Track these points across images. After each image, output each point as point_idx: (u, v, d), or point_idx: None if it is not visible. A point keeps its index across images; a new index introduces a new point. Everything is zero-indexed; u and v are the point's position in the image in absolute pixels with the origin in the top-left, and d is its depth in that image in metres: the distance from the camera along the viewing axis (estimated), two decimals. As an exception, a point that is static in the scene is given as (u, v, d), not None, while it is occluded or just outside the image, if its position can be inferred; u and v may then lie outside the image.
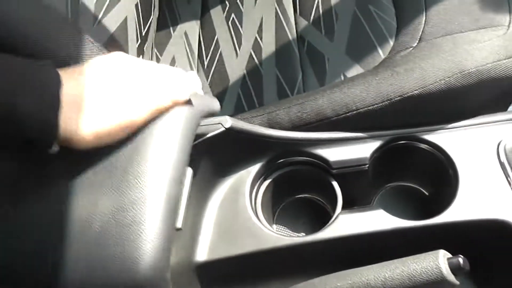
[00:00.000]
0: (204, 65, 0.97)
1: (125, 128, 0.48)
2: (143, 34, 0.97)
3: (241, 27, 0.97)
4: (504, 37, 0.73)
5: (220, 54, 0.96)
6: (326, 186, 0.71)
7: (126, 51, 0.90)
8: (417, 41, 0.78)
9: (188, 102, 0.53)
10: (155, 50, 1.05)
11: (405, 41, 0.80)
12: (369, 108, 0.69)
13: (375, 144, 0.71)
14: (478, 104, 0.75)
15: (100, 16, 0.84)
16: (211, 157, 0.64)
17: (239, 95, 0.90)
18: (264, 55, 0.92)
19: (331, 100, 0.71)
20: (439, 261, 0.52)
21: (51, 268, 0.45)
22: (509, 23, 0.75)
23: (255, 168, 0.71)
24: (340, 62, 0.84)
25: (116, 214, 0.45)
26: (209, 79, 0.95)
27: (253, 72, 0.91)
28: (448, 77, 0.69)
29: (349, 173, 0.70)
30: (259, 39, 0.94)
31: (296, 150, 0.71)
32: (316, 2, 0.92)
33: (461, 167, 0.68)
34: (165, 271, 0.46)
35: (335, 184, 0.71)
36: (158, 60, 1.04)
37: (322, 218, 0.73)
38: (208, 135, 0.60)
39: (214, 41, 0.99)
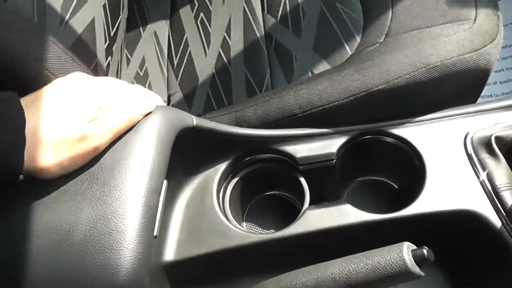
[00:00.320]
0: (174, 64, 0.97)
1: (88, 154, 0.51)
2: (112, 34, 0.97)
3: (210, 26, 0.97)
4: (470, 31, 0.74)
5: (190, 53, 0.96)
6: (294, 182, 0.72)
7: (93, 52, 0.89)
8: (384, 37, 0.79)
9: (164, 117, 0.56)
10: (126, 51, 1.04)
11: (371, 37, 0.80)
12: (334, 104, 0.69)
13: (341, 140, 0.71)
14: (445, 97, 0.76)
15: (67, 17, 0.83)
16: (178, 157, 0.63)
17: (208, 95, 0.90)
18: (232, 53, 0.92)
19: (297, 97, 0.71)
20: (403, 253, 0.52)
21: (31, 277, 0.46)
22: (475, 17, 0.76)
23: (222, 167, 0.71)
24: (308, 59, 0.84)
25: (98, 223, 0.48)
26: (178, 79, 0.94)
27: (222, 71, 0.91)
28: (413, 72, 0.69)
29: (316, 169, 0.71)
30: (227, 37, 0.94)
31: (263, 148, 0.71)
32: (283, 0, 0.92)
33: (428, 159, 0.69)
34: (144, 277, 0.48)
35: (302, 180, 0.71)
36: (128, 60, 1.03)
37: (292, 215, 0.73)
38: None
39: (184, 41, 0.98)
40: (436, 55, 0.70)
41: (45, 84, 0.52)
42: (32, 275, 0.47)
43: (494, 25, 0.76)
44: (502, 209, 0.62)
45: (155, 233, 0.54)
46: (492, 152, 0.66)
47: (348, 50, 0.82)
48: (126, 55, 1.04)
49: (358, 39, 0.82)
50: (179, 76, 0.95)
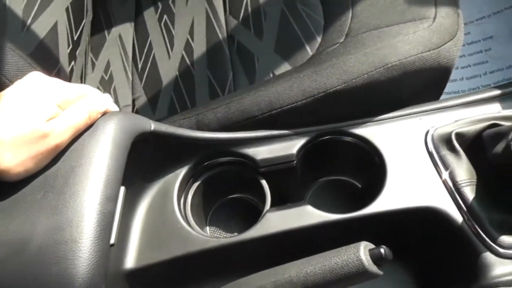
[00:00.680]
0: (138, 68, 0.96)
1: (49, 152, 0.51)
2: (75, 38, 0.96)
3: (173, 28, 0.97)
4: (429, 29, 0.74)
5: (153, 56, 0.95)
6: (256, 184, 0.71)
7: (56, 57, 0.89)
8: (344, 37, 0.79)
9: (120, 123, 0.56)
10: (91, 55, 1.03)
11: (332, 37, 0.80)
12: (293, 105, 0.69)
13: (301, 141, 0.71)
14: (407, 96, 0.76)
15: (28, 22, 0.82)
16: (136, 162, 0.63)
17: (172, 98, 0.89)
18: (195, 56, 0.91)
19: (256, 98, 0.71)
20: (360, 253, 0.52)
21: None
22: (435, 15, 0.76)
23: (182, 171, 0.70)
24: (269, 60, 0.84)
25: (54, 233, 0.47)
26: (143, 83, 0.94)
27: (185, 74, 0.90)
28: (371, 71, 0.69)
29: (277, 171, 0.70)
30: (190, 40, 0.93)
31: (223, 151, 0.71)
32: (245, 1, 0.92)
33: (389, 157, 0.69)
34: (100, 286, 0.48)
35: (263, 182, 0.71)
36: (93, 65, 1.02)
37: (256, 217, 0.73)
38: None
39: (148, 44, 0.98)
40: (395, 54, 0.70)
41: (2, 90, 0.52)
42: None
43: (454, 22, 0.76)
44: (463, 205, 0.62)
45: (112, 241, 0.55)
46: (452, 149, 0.66)
47: (309, 51, 0.82)
48: (91, 59, 1.03)
49: (319, 39, 0.82)
50: (143, 80, 0.94)
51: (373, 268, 0.52)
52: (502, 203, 0.63)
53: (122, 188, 0.58)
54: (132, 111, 0.92)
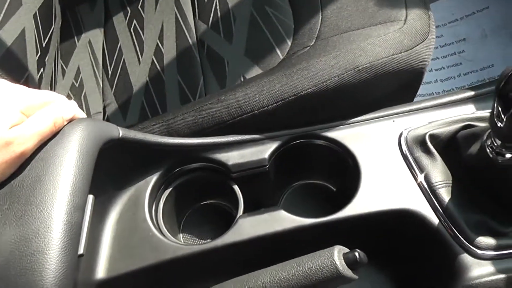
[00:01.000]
0: (108, 74, 0.95)
1: (14, 160, 0.50)
2: (44, 45, 0.94)
3: (143, 33, 0.95)
4: (400, 31, 0.74)
5: (124, 62, 0.94)
6: (228, 190, 0.71)
7: (24, 64, 0.87)
8: (314, 40, 0.78)
9: (87, 130, 0.55)
10: (61, 61, 1.01)
11: (302, 40, 0.80)
12: (264, 109, 0.69)
13: (273, 145, 0.70)
14: (380, 98, 0.76)
15: (-5, 29, 0.81)
16: (105, 170, 0.62)
17: (143, 104, 0.88)
18: (165, 61, 0.90)
19: (226, 103, 0.70)
20: (334, 257, 0.51)
21: None
22: (406, 17, 0.76)
23: (153, 178, 0.69)
24: (240, 64, 0.83)
25: (20, 244, 0.46)
26: (113, 89, 0.92)
27: (156, 79, 0.89)
28: (342, 74, 0.69)
29: (250, 176, 0.70)
30: (160, 45, 0.92)
31: (194, 157, 0.70)
32: (214, 5, 0.91)
33: (362, 160, 0.69)
34: None
35: (236, 187, 0.70)
36: (64, 71, 1.00)
37: (230, 223, 0.72)
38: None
39: (117, 49, 0.96)
40: (365, 56, 0.70)
41: None
42: None
43: (425, 24, 0.76)
44: (439, 206, 0.62)
45: (81, 251, 0.53)
46: (427, 150, 0.66)
47: (280, 54, 0.81)
48: (62, 66, 1.01)
49: (289, 42, 0.82)
50: (114, 86, 0.92)
51: (348, 272, 0.51)
52: (478, 204, 0.63)
53: (91, 197, 0.57)
54: (103, 118, 0.91)
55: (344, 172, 0.72)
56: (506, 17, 1.45)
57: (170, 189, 0.71)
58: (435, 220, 0.62)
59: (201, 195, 0.78)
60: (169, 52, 0.91)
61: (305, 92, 0.68)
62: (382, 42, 0.72)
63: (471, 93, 0.73)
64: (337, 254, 0.52)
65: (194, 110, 0.72)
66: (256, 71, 0.81)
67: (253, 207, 0.69)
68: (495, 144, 0.56)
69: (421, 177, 0.65)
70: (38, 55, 0.91)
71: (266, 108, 0.69)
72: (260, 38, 0.84)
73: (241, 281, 0.55)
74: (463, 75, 1.40)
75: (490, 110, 0.53)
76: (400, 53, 0.72)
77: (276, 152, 0.71)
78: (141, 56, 0.93)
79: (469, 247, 0.59)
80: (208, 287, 0.58)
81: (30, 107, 0.52)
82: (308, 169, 0.79)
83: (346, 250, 0.53)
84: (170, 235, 0.67)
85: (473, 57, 1.42)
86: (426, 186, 0.64)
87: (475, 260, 0.59)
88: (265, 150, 0.70)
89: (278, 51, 0.82)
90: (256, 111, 0.69)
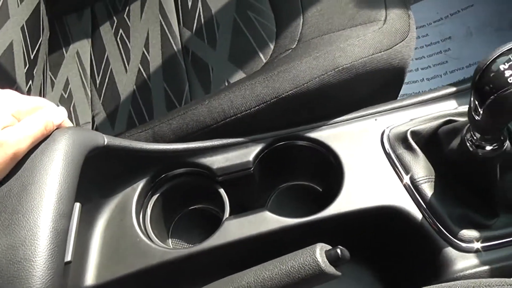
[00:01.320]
0: (96, 84, 0.95)
1: (7, 162, 0.50)
2: (32, 57, 0.95)
3: (129, 42, 0.96)
4: (380, 32, 0.75)
5: (111, 71, 0.95)
6: (214, 194, 0.71)
7: (13, 77, 0.88)
8: (296, 43, 0.79)
9: (72, 138, 0.56)
10: (49, 73, 1.02)
11: (284, 43, 0.81)
12: (247, 112, 0.70)
13: (257, 147, 0.71)
14: (363, 97, 0.77)
15: (-18, 42, 0.81)
16: (91, 177, 0.62)
17: (130, 112, 0.88)
18: (151, 69, 0.91)
19: (209, 108, 0.71)
20: (316, 254, 0.52)
21: None
22: (385, 17, 0.77)
23: (140, 185, 0.69)
24: (224, 69, 0.84)
25: (7, 253, 0.47)
26: (101, 98, 0.93)
27: (142, 87, 0.90)
28: (322, 75, 0.70)
29: (235, 179, 0.70)
30: (146, 53, 0.93)
31: (180, 162, 0.71)
32: (198, 12, 0.92)
33: (346, 159, 0.69)
34: None
35: (221, 191, 0.71)
36: (52, 83, 1.01)
37: (217, 227, 0.72)
38: None
39: (105, 59, 0.97)
40: (345, 57, 0.71)
41: None
42: None
43: (405, 24, 0.77)
44: (422, 202, 0.63)
45: (69, 258, 0.54)
46: (409, 147, 0.67)
47: (263, 58, 0.82)
48: (50, 77, 1.02)
49: (272, 46, 0.83)
50: (102, 96, 0.93)
51: (330, 269, 0.52)
52: (461, 198, 0.63)
53: (78, 205, 0.58)
54: (92, 128, 0.91)
55: (328, 172, 0.72)
56: (490, 15, 1.46)
57: (157, 195, 0.72)
58: (418, 215, 0.63)
59: (188, 200, 0.79)
60: (155, 60, 0.92)
61: (287, 94, 0.69)
62: (362, 43, 0.73)
63: (453, 89, 0.73)
64: (319, 252, 0.52)
65: (179, 116, 0.73)
66: (240, 75, 0.82)
67: (240, 210, 0.69)
68: (475, 138, 0.56)
69: (407, 179, 0.65)
70: (26, 68, 0.91)
71: (248, 111, 0.70)
72: (243, 43, 0.85)
73: (226, 282, 0.56)
74: (449, 73, 1.41)
75: (470, 105, 0.53)
76: (380, 52, 0.72)
77: (260, 155, 0.72)
78: (128, 64, 0.94)
79: (453, 240, 0.60)
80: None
81: (21, 111, 0.53)
82: (293, 170, 0.80)
83: (329, 247, 0.54)
84: (158, 240, 0.68)
85: (458, 55, 1.43)
86: (409, 182, 0.65)
87: (459, 253, 0.60)
88: (250, 153, 0.71)
89: (261, 55, 0.83)
90: (239, 115, 0.70)
